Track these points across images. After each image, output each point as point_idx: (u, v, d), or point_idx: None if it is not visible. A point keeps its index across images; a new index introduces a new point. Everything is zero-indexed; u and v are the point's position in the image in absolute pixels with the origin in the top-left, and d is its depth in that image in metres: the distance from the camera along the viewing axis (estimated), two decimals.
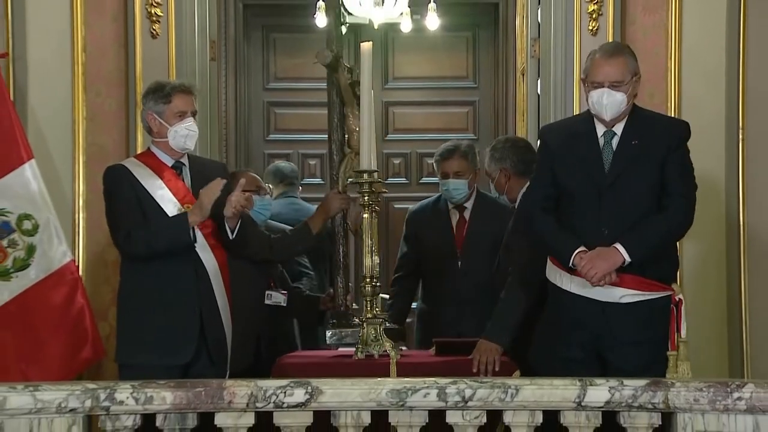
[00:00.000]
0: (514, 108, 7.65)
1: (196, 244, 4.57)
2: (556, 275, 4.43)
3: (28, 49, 5.68)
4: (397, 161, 8.91)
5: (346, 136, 5.21)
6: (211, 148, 6.28)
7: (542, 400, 3.73)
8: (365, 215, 4.79)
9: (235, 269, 4.79)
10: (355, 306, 5.49)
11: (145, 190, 4.62)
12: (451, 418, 3.75)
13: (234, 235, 4.63)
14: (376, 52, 8.34)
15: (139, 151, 5.42)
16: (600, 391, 3.72)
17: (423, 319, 5.83)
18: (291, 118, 8.78)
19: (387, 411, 3.75)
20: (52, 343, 5.29)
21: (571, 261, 4.30)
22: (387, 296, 5.78)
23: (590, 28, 5.75)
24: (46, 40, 5.70)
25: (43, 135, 5.67)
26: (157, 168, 4.69)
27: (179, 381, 3.88)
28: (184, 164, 4.74)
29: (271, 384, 3.75)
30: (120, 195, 4.64)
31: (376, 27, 8.00)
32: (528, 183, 4.97)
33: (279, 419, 3.76)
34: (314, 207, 5.58)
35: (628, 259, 4.24)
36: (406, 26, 8.14)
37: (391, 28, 8.38)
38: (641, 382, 3.73)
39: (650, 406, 3.72)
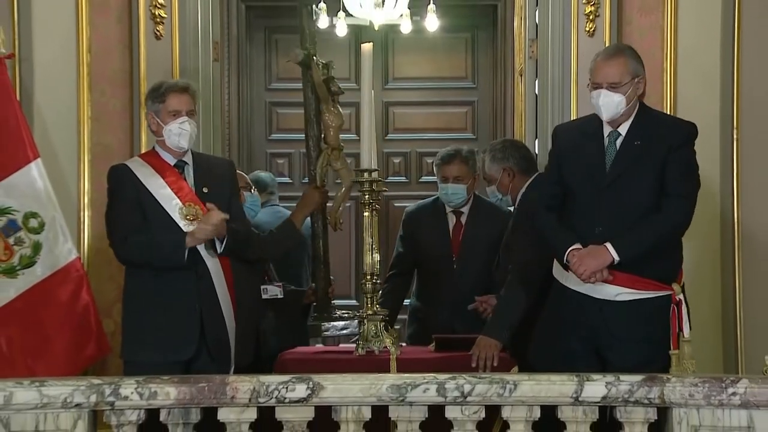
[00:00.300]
0: (512, 108, 7.66)
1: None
2: (558, 272, 4.45)
3: (34, 50, 5.68)
4: (397, 160, 8.92)
5: (323, 132, 5.22)
6: (213, 147, 6.29)
7: (540, 396, 3.74)
8: (366, 213, 4.79)
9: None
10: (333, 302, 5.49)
11: (147, 190, 4.62)
12: (451, 413, 3.76)
13: (222, 248, 4.63)
14: (377, 53, 8.35)
15: (143, 151, 5.43)
16: (597, 387, 3.73)
17: (416, 317, 5.82)
18: (292, 118, 8.77)
19: (387, 406, 3.76)
20: (58, 340, 5.29)
21: (565, 258, 4.32)
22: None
23: (587, 29, 5.75)
24: (52, 41, 5.70)
25: (48, 134, 5.67)
26: (160, 167, 4.69)
27: (183, 376, 3.89)
28: (187, 163, 4.74)
29: (273, 379, 3.76)
30: (121, 195, 4.65)
31: (376, 28, 8.01)
32: (529, 181, 4.99)
33: (281, 414, 3.76)
34: None
35: (616, 258, 4.25)
36: (406, 27, 8.15)
37: (392, 29, 8.39)
38: (637, 378, 3.74)
39: (646, 401, 3.73)
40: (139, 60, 5.72)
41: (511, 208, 5.28)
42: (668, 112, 5.63)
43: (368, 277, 4.76)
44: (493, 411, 3.83)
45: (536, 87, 6.33)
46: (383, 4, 7.87)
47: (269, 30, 8.89)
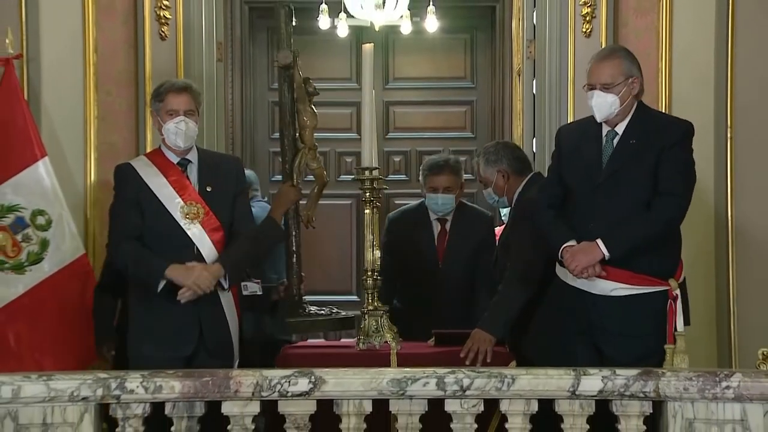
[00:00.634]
0: (510, 107, 7.66)
1: (195, 241, 4.56)
2: (559, 267, 4.46)
3: (42, 51, 5.68)
4: (397, 159, 8.92)
5: (297, 131, 5.20)
6: (217, 146, 6.28)
7: (537, 389, 3.75)
8: (367, 211, 4.80)
9: None
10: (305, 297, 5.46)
11: (149, 189, 4.61)
12: (450, 406, 3.76)
13: (228, 283, 4.61)
14: (377, 54, 8.35)
15: (148, 149, 5.44)
16: (593, 381, 3.74)
17: (398, 318, 5.75)
18: None
19: (388, 400, 3.77)
20: (65, 334, 5.29)
21: (560, 254, 4.33)
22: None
23: (584, 30, 5.75)
24: (59, 42, 5.70)
25: (55, 133, 5.68)
26: (164, 166, 4.69)
27: (187, 371, 3.90)
28: (190, 161, 4.72)
29: (275, 374, 3.76)
30: (122, 195, 4.66)
31: (377, 29, 8.02)
32: (524, 182, 4.99)
33: (284, 407, 3.77)
34: None
35: (607, 254, 4.26)
36: (406, 28, 8.15)
37: (392, 30, 8.39)
38: (633, 372, 3.75)
39: (641, 394, 3.74)
40: (145, 60, 5.72)
41: (506, 210, 5.27)
42: (663, 112, 5.63)
43: (369, 273, 4.77)
44: (491, 404, 3.83)
45: (534, 87, 6.33)
46: (384, 5, 7.87)
47: (272, 30, 8.84)
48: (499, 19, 8.48)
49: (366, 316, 4.74)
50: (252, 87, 8.75)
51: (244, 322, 5.01)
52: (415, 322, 5.24)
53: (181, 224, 4.58)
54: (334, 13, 8.01)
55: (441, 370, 3.75)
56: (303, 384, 3.72)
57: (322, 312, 5.23)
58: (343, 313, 5.26)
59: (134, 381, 3.74)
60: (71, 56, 5.70)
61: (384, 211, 5.84)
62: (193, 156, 4.72)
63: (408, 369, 3.82)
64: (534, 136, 6.33)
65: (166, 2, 5.76)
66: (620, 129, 4.40)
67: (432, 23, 8.13)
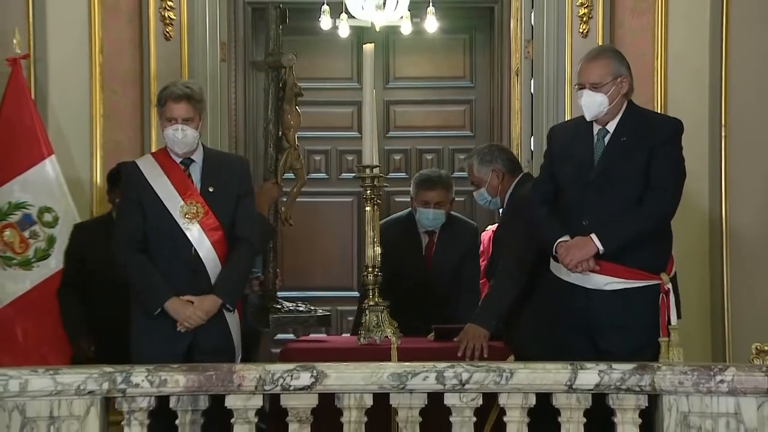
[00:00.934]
0: (509, 106, 7.66)
1: (193, 240, 4.53)
2: (553, 263, 4.46)
3: (48, 51, 5.69)
4: (397, 157, 8.91)
5: (282, 131, 5.22)
6: (221, 146, 6.28)
7: (535, 383, 3.75)
8: (368, 208, 4.80)
9: None
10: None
11: (152, 188, 4.57)
12: (449, 400, 3.77)
13: (233, 304, 4.58)
14: (378, 54, 8.33)
15: (153, 147, 5.45)
16: (590, 375, 3.74)
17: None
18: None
19: (388, 393, 3.77)
20: None
21: (554, 249, 4.34)
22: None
23: (581, 30, 5.76)
24: (66, 42, 5.72)
25: (62, 132, 5.69)
26: (167, 165, 4.64)
27: (191, 365, 3.90)
28: (193, 160, 4.65)
29: (278, 368, 3.77)
30: (126, 195, 4.65)
31: (377, 30, 8.00)
32: (515, 181, 4.99)
33: (286, 401, 3.77)
34: None
35: (601, 248, 4.26)
36: (406, 29, 8.13)
37: (392, 30, 8.37)
38: (629, 366, 3.76)
39: (637, 388, 3.74)
40: (149, 60, 5.74)
41: (501, 209, 5.26)
42: (658, 111, 5.63)
43: (370, 269, 4.77)
44: (490, 398, 3.84)
45: (532, 86, 6.33)
46: (384, 6, 7.86)
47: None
48: (497, 19, 8.47)
49: (367, 312, 4.75)
50: (255, 87, 8.73)
51: None
52: (401, 322, 5.28)
53: (180, 223, 4.51)
54: (335, 13, 8.00)
55: (440, 365, 3.75)
56: (305, 378, 3.73)
57: (300, 309, 5.23)
58: (320, 311, 5.28)
59: (139, 375, 3.74)
60: (77, 56, 5.71)
61: (384, 209, 5.84)
62: (197, 155, 4.67)
63: (408, 363, 3.83)
64: (532, 135, 6.33)
65: (170, 3, 5.77)
66: (611, 127, 4.40)
67: (432, 24, 8.11)
